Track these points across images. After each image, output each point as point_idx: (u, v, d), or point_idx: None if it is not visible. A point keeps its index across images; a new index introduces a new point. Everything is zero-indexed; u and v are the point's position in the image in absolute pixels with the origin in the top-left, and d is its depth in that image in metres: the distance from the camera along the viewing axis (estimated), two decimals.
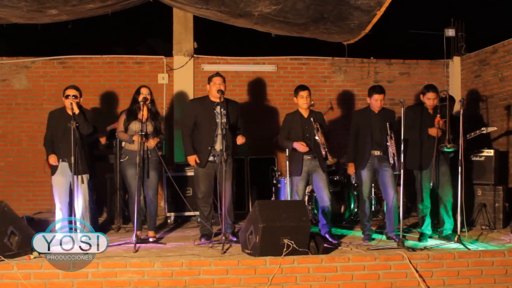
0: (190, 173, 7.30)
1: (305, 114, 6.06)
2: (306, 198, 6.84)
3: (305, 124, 6.00)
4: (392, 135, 5.89)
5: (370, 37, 7.90)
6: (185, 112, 6.18)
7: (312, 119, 5.96)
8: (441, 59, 8.79)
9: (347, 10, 7.08)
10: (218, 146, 5.86)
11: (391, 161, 5.85)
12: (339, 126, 8.29)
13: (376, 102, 6.01)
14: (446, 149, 5.83)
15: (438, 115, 5.89)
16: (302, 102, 6.00)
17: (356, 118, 6.19)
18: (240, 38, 8.48)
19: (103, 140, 6.94)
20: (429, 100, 6.05)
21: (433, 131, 5.91)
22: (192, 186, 7.23)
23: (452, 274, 5.00)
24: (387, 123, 5.92)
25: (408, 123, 5.94)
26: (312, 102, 6.10)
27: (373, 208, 7.18)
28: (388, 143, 5.88)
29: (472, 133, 6.57)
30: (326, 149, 5.87)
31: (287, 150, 6.22)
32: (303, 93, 5.98)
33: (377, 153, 5.99)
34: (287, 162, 6.15)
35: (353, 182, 7.33)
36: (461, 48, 8.68)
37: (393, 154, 5.83)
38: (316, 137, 5.91)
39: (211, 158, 5.90)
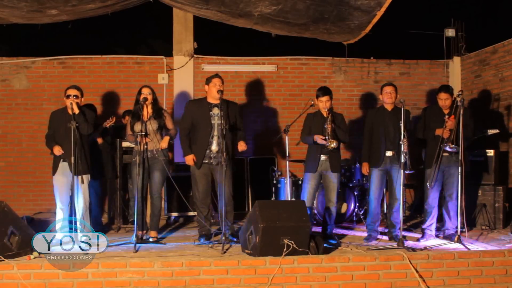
0: (190, 173, 7.29)
1: (325, 114, 6.05)
2: None
3: (325, 124, 5.99)
4: (405, 134, 5.86)
5: (370, 37, 7.90)
6: (183, 114, 6.20)
7: (328, 112, 5.97)
8: (441, 59, 8.79)
9: (347, 11, 7.08)
10: (214, 147, 5.87)
11: (403, 160, 5.75)
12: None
13: (387, 94, 6.04)
14: (448, 149, 5.81)
15: (452, 116, 5.85)
16: (321, 106, 6.01)
17: (370, 116, 6.20)
18: (240, 38, 8.47)
19: (99, 140, 6.86)
20: (441, 100, 6.05)
21: (439, 132, 5.91)
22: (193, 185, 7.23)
23: (452, 274, 5.00)
24: (400, 122, 5.88)
25: (421, 124, 5.98)
26: (312, 102, 6.10)
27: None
28: (400, 142, 5.85)
29: (476, 136, 6.56)
30: (329, 136, 5.85)
31: (287, 150, 6.23)
32: (323, 98, 5.99)
33: (389, 153, 6.00)
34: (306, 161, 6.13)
35: (354, 181, 7.34)
36: (461, 48, 8.68)
37: (405, 152, 5.75)
38: (325, 126, 5.92)
39: (206, 160, 5.91)
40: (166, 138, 5.97)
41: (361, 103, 8.55)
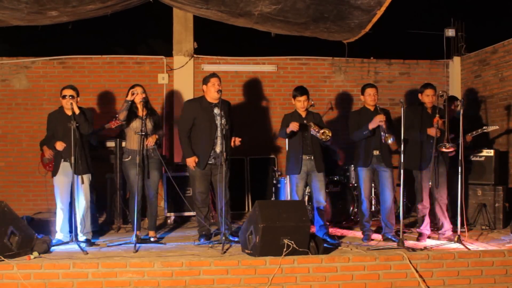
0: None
1: (303, 114, 6.07)
2: (306, 198, 6.83)
3: (303, 124, 5.99)
4: (390, 131, 5.86)
5: (370, 37, 7.90)
6: (183, 114, 6.12)
7: (304, 121, 5.96)
8: (441, 59, 8.79)
9: (347, 10, 7.09)
10: (218, 147, 5.87)
11: (382, 136, 5.79)
12: (339, 126, 8.27)
13: (369, 96, 6.04)
14: (445, 149, 5.83)
15: (437, 115, 5.90)
16: (299, 106, 6.02)
17: (355, 117, 6.18)
18: (240, 38, 8.47)
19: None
20: (428, 96, 6.07)
21: (431, 131, 5.92)
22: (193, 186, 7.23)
23: (452, 274, 5.00)
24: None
25: (406, 123, 5.97)
26: (312, 102, 6.10)
27: (373, 208, 7.18)
28: (386, 140, 5.83)
29: (474, 132, 6.58)
30: (321, 129, 5.81)
31: (287, 150, 6.22)
32: (301, 98, 6.00)
33: (376, 152, 6.00)
34: (287, 162, 6.13)
35: (353, 182, 7.34)
36: (461, 48, 8.68)
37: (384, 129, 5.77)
38: (312, 131, 5.90)
39: (211, 161, 5.90)
40: (155, 137, 5.92)
41: (361, 104, 8.52)
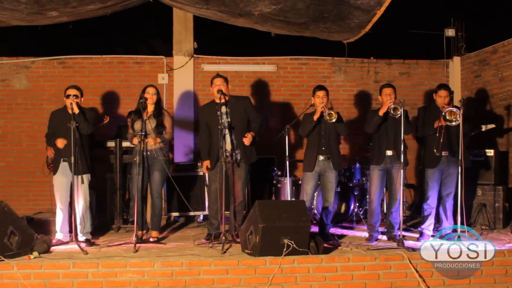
0: (190, 173, 7.30)
1: (320, 109, 6.03)
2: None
3: (321, 122, 6.00)
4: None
5: (370, 37, 7.89)
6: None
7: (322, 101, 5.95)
8: (441, 59, 8.79)
9: (347, 10, 7.08)
10: (228, 146, 5.88)
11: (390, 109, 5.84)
12: None
13: (386, 96, 6.03)
14: (449, 120, 5.73)
15: (443, 104, 5.94)
16: (318, 102, 6.00)
17: (372, 114, 6.13)
18: (240, 38, 8.47)
19: None
20: (441, 97, 6.06)
21: (437, 124, 5.91)
22: (193, 186, 7.25)
23: (452, 274, 4.99)
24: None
25: (420, 123, 5.99)
26: (313, 102, 6.09)
27: None
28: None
29: (472, 133, 6.58)
30: (330, 110, 5.83)
31: (287, 150, 6.20)
32: (320, 93, 6.01)
33: (389, 153, 6.00)
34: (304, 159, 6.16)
35: (355, 181, 7.33)
36: (461, 48, 8.67)
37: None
38: (323, 110, 5.89)
39: (221, 159, 5.90)
40: (156, 139, 5.91)
41: (361, 103, 8.54)
